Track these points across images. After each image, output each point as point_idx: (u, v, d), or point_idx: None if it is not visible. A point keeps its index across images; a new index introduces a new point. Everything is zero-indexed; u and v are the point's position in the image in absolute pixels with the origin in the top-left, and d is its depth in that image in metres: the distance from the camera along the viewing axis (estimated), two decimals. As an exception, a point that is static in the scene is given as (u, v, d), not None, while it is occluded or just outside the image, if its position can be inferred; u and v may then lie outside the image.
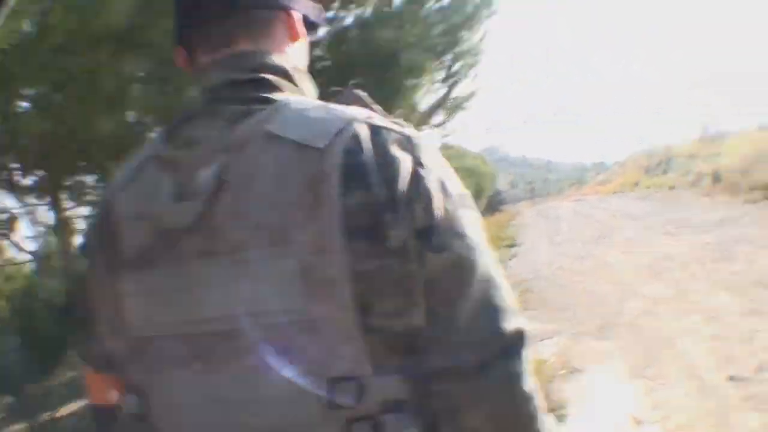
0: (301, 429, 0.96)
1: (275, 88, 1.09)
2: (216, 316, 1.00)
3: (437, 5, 7.63)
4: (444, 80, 8.24)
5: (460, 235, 1.00)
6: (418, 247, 0.96)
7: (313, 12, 1.26)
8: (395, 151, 0.99)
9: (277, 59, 1.14)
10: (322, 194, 0.93)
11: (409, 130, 1.05)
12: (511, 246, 17.43)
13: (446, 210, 1.00)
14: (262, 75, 1.10)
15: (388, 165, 0.97)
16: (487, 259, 1.04)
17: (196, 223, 1.00)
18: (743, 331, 6.56)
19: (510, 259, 15.06)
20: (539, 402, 1.05)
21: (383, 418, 0.96)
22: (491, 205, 35.50)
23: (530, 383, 1.03)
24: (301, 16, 1.21)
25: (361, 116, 1.02)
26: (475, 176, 31.65)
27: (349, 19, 7.41)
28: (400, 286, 0.96)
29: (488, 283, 1.02)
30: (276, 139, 0.99)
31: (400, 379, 0.98)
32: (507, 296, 1.04)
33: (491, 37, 9.41)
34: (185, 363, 1.04)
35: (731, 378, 5.49)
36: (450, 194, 1.02)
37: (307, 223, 0.93)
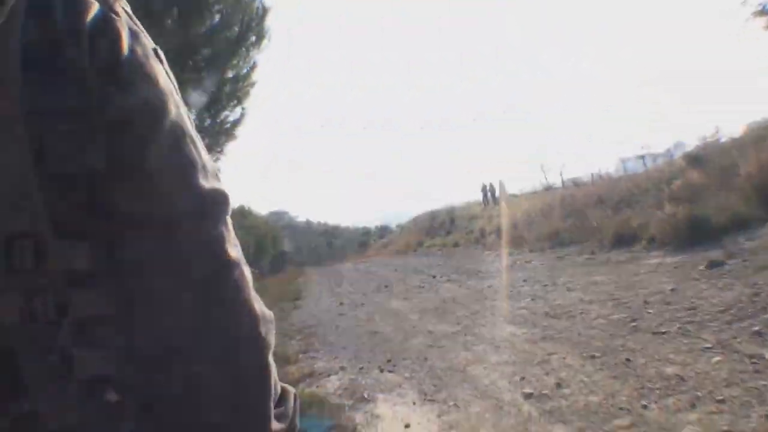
0: None
1: None
2: None
3: (203, 28, 7.26)
4: (207, 107, 7.81)
5: (150, 79, 0.90)
6: (101, 84, 0.84)
7: None
8: None
9: None
10: (6, 30, 0.80)
11: None
12: (295, 299, 17.01)
13: (135, 52, 0.89)
14: None
15: (77, 3, 0.85)
16: (180, 110, 0.95)
17: None
18: (537, 356, 6.45)
19: (294, 310, 14.69)
20: (245, 272, 0.93)
21: (69, 293, 0.83)
22: (275, 265, 35.45)
23: (234, 251, 0.91)
24: None
25: None
26: (258, 236, 31.33)
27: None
28: (74, 122, 0.82)
29: (181, 134, 0.92)
30: None
31: (85, 247, 0.84)
32: (203, 152, 0.96)
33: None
34: None
35: (528, 396, 5.24)
36: (141, 42, 0.92)
37: None
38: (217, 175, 0.98)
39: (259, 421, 0.94)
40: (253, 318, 0.95)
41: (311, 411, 5.51)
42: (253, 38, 7.79)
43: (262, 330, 0.96)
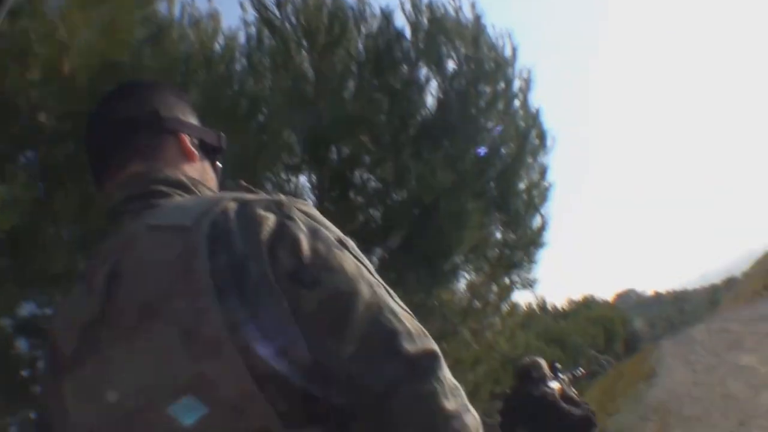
0: None
1: (167, 195, 1.17)
2: (120, 399, 1.00)
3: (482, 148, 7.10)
4: (506, 223, 7.70)
5: (335, 270, 1.00)
6: (290, 289, 0.96)
7: (210, 136, 1.34)
8: (260, 212, 1.02)
9: (170, 173, 1.21)
10: (192, 262, 0.96)
11: (280, 196, 1.09)
12: (650, 377, 16.87)
13: (316, 250, 1.01)
14: (154, 187, 1.17)
15: (251, 223, 1.00)
16: (375, 290, 1.03)
17: (100, 315, 1.03)
18: None
19: (648, 389, 14.69)
20: (466, 421, 1.00)
21: None
22: (628, 346, 34.52)
23: (452, 402, 0.98)
24: (196, 141, 1.30)
25: (232, 195, 1.08)
26: (604, 323, 31.15)
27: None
28: (272, 329, 0.96)
29: (378, 309, 1.01)
30: (156, 229, 1.06)
31: (313, 429, 0.97)
32: (406, 321, 1.02)
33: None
34: None
35: None
36: (322, 237, 1.03)
37: (183, 290, 0.96)
38: (424, 334, 1.02)
39: None
40: None
41: None
42: (536, 142, 7.53)
43: None
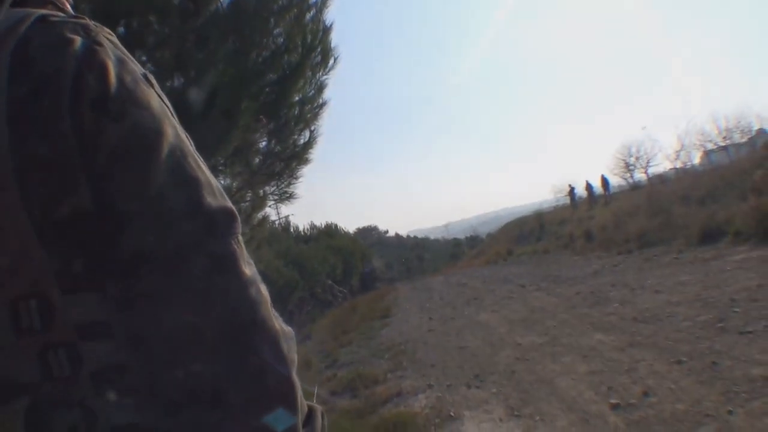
0: None
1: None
2: None
3: (264, 54, 7.09)
4: (276, 132, 7.74)
5: (142, 105, 0.92)
6: (93, 117, 0.87)
7: None
8: (66, 33, 0.91)
9: None
10: None
11: (85, 19, 0.97)
12: (385, 317, 17.03)
13: (123, 81, 0.91)
14: None
15: (57, 45, 0.89)
16: (179, 133, 0.96)
17: None
18: (624, 363, 6.36)
19: (383, 328, 14.69)
20: (261, 290, 0.94)
21: (82, 346, 0.87)
22: (365, 283, 35.44)
23: (248, 269, 0.93)
24: None
25: (38, 14, 0.94)
26: (345, 254, 31.50)
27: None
28: (51, 168, 0.85)
29: (182, 155, 0.94)
30: None
31: (93, 298, 0.88)
32: (207, 172, 0.97)
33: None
34: None
35: (615, 406, 5.18)
36: (129, 69, 0.94)
37: None
38: (223, 193, 0.99)
39: None
40: (274, 336, 0.94)
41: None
42: (318, 59, 7.60)
43: (284, 347, 0.95)
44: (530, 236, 34.96)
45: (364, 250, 42.06)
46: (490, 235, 53.72)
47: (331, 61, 7.79)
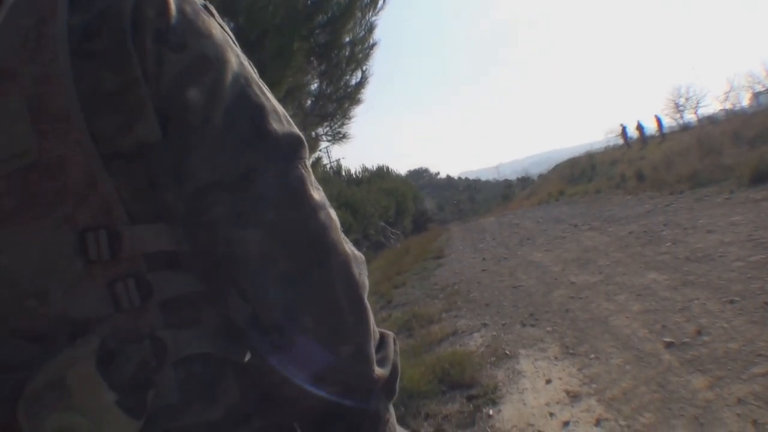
0: (60, 293, 0.84)
1: None
2: None
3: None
4: (327, 73, 7.69)
5: (203, 35, 0.92)
6: (155, 49, 0.88)
7: None
8: None
9: None
10: (48, 24, 0.85)
11: None
12: (438, 258, 17.10)
13: (183, 12, 0.91)
14: None
15: None
16: (242, 61, 0.97)
17: None
18: (678, 302, 6.36)
19: (436, 269, 14.78)
20: (331, 214, 0.94)
21: (150, 276, 0.88)
22: (417, 224, 35.49)
23: (317, 193, 0.94)
24: None
25: None
26: (396, 196, 31.52)
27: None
28: (115, 100, 0.85)
29: (246, 82, 0.94)
30: None
31: (162, 228, 0.90)
32: (273, 99, 0.97)
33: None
34: None
35: (669, 345, 5.22)
36: (190, 1, 0.94)
37: (34, 54, 0.84)
38: (289, 119, 0.98)
39: (364, 364, 0.95)
40: (344, 259, 0.94)
41: (453, 370, 5.70)
42: (367, 0, 7.68)
43: (355, 271, 0.95)
44: (582, 176, 34.63)
45: (416, 192, 42.01)
46: (541, 176, 53.20)
47: (381, 2, 7.74)
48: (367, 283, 0.97)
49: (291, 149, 0.93)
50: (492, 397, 5.08)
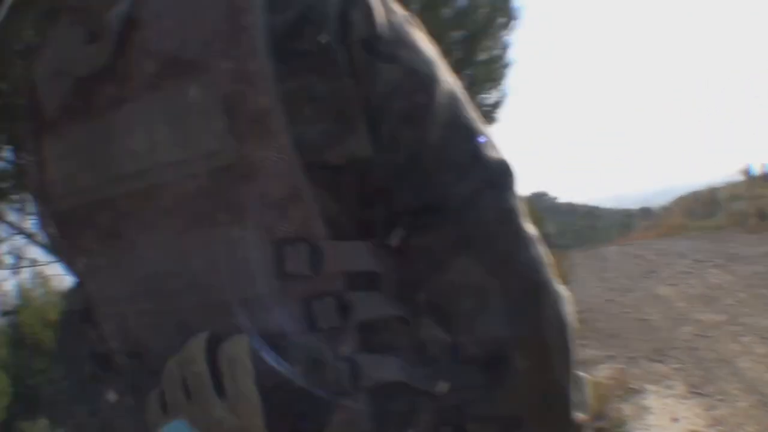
0: (249, 308, 0.78)
1: None
2: (131, 172, 0.83)
3: (451, 11, 7.15)
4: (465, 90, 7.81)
5: (411, 48, 0.87)
6: (364, 57, 0.82)
7: None
8: None
9: None
10: (243, 17, 0.78)
11: None
12: (563, 283, 17.02)
13: (391, 22, 0.85)
14: None
15: None
16: (449, 78, 0.90)
17: (108, 67, 0.84)
18: None
19: (561, 295, 14.72)
20: (542, 247, 0.90)
21: (350, 296, 0.81)
22: (541, 248, 35.01)
23: (528, 227, 0.88)
24: None
25: None
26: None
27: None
28: (326, 108, 0.81)
29: (456, 102, 0.88)
30: None
31: (366, 246, 0.84)
32: (481, 123, 0.91)
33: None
34: (108, 237, 0.89)
35: None
36: (393, 9, 0.88)
37: (229, 49, 0.78)
38: (496, 145, 0.90)
39: (564, 409, 0.91)
40: (556, 298, 0.90)
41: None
42: (504, 19, 7.58)
43: (564, 310, 0.90)
44: (703, 211, 33.61)
45: (539, 214, 41.55)
46: (664, 208, 51.63)
47: (514, 22, 7.70)
48: (574, 323, 0.94)
49: (504, 178, 0.89)
50: (620, 431, 5.31)
